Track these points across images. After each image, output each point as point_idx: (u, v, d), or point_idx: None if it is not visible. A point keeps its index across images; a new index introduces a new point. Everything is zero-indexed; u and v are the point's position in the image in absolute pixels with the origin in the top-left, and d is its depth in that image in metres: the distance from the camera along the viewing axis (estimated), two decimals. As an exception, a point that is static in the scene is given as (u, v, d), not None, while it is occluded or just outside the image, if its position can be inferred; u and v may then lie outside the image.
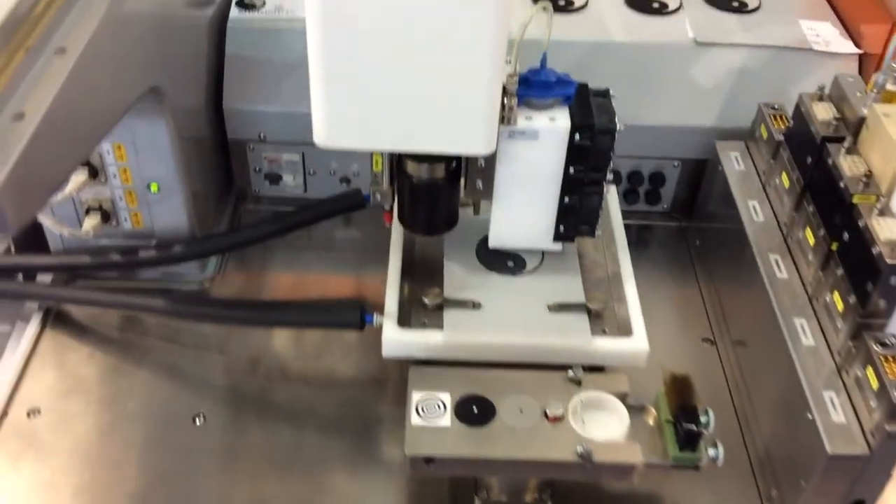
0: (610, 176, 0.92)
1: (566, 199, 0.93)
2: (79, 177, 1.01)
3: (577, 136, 0.88)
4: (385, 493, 0.92)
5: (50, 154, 0.68)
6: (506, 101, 0.85)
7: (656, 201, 1.24)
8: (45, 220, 1.00)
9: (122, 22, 0.82)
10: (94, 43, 0.75)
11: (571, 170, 0.91)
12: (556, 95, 0.89)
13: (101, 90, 0.79)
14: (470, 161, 0.91)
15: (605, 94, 0.92)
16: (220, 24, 1.17)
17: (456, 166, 0.91)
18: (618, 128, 0.88)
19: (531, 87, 0.88)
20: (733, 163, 1.12)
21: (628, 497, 0.93)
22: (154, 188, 1.05)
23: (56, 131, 0.68)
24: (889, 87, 0.94)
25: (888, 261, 0.80)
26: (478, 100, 0.80)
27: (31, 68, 0.70)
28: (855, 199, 0.87)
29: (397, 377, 1.01)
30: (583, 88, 0.91)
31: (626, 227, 1.06)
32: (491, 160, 0.90)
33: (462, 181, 0.93)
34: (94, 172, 1.03)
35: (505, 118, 0.87)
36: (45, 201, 0.70)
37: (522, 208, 0.95)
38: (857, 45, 1.18)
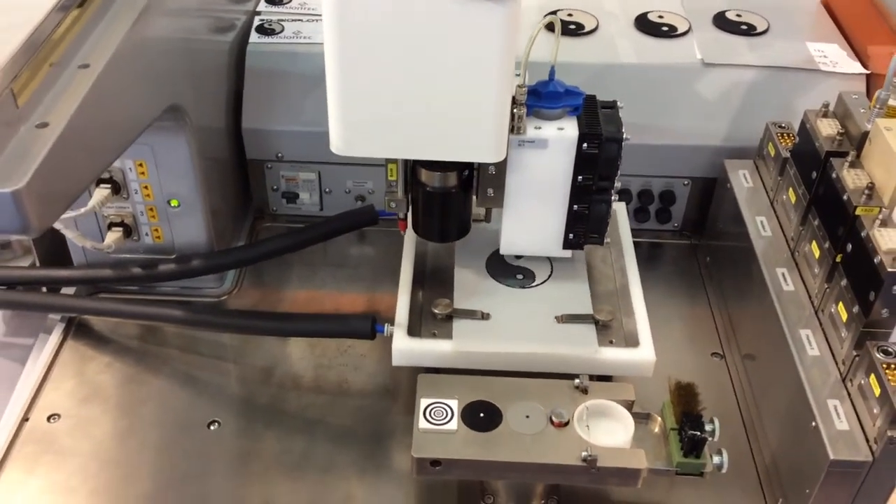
0: (618, 184, 0.94)
1: (575, 207, 0.95)
2: (102, 192, 1.04)
3: (584, 145, 0.91)
4: (393, 500, 0.93)
5: (71, 162, 0.71)
6: (515, 112, 0.88)
7: (667, 220, 1.26)
8: (69, 234, 1.03)
9: (143, 42, 0.86)
10: (116, 60, 0.79)
11: (580, 178, 0.93)
12: (565, 106, 0.91)
13: (121, 104, 0.82)
14: (481, 169, 0.93)
15: (612, 105, 0.94)
16: (241, 48, 1.21)
17: (468, 175, 0.94)
18: (624, 137, 0.91)
19: (540, 98, 0.90)
20: (742, 180, 1.14)
21: (635, 506, 0.94)
22: (174, 203, 1.08)
23: (78, 140, 0.72)
24: (892, 102, 0.95)
25: (889, 269, 0.81)
26: (487, 109, 0.83)
27: (55, 82, 0.73)
28: (858, 211, 0.88)
29: (407, 387, 1.03)
30: (591, 100, 0.94)
31: (638, 244, 1.07)
32: (502, 169, 0.93)
33: (474, 190, 0.96)
34: (117, 188, 1.06)
35: (514, 128, 0.89)
36: (65, 207, 0.72)
37: (533, 216, 0.97)
38: (864, 66, 1.20)
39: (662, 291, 1.18)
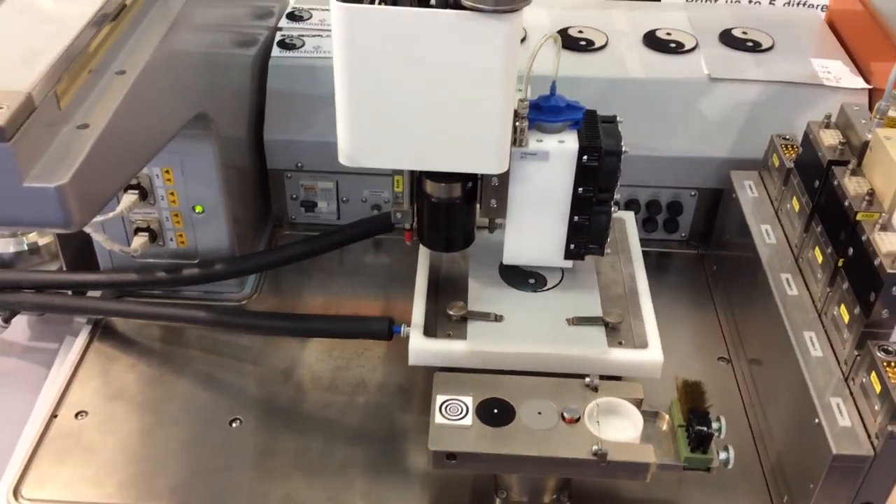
0: (617, 196, 0.97)
1: (575, 219, 0.98)
2: (130, 198, 1.08)
3: (584, 158, 0.94)
4: (409, 496, 0.96)
5: (109, 161, 0.75)
6: (517, 125, 0.91)
7: (674, 229, 1.29)
8: (98, 237, 1.07)
9: (173, 53, 0.90)
10: (150, 68, 0.83)
11: (580, 190, 0.96)
12: (566, 120, 0.95)
13: (155, 109, 0.87)
14: (484, 181, 0.96)
15: (612, 119, 0.98)
16: (263, 62, 1.26)
17: (472, 186, 0.97)
18: (623, 151, 0.94)
19: (542, 112, 0.94)
20: (747, 191, 1.17)
21: (644, 503, 0.96)
22: (199, 209, 1.12)
23: (115, 141, 0.76)
24: (892, 113, 0.99)
25: (889, 271, 0.85)
26: (490, 122, 0.86)
27: (94, 86, 0.78)
28: (859, 217, 0.92)
29: (423, 389, 1.06)
30: (591, 114, 0.97)
31: (646, 254, 1.10)
32: (504, 180, 0.96)
33: (478, 200, 0.99)
34: (144, 194, 1.10)
35: (517, 140, 0.92)
36: (103, 205, 0.76)
37: (535, 226, 1.00)
38: (867, 81, 1.24)
39: (670, 299, 1.21)
